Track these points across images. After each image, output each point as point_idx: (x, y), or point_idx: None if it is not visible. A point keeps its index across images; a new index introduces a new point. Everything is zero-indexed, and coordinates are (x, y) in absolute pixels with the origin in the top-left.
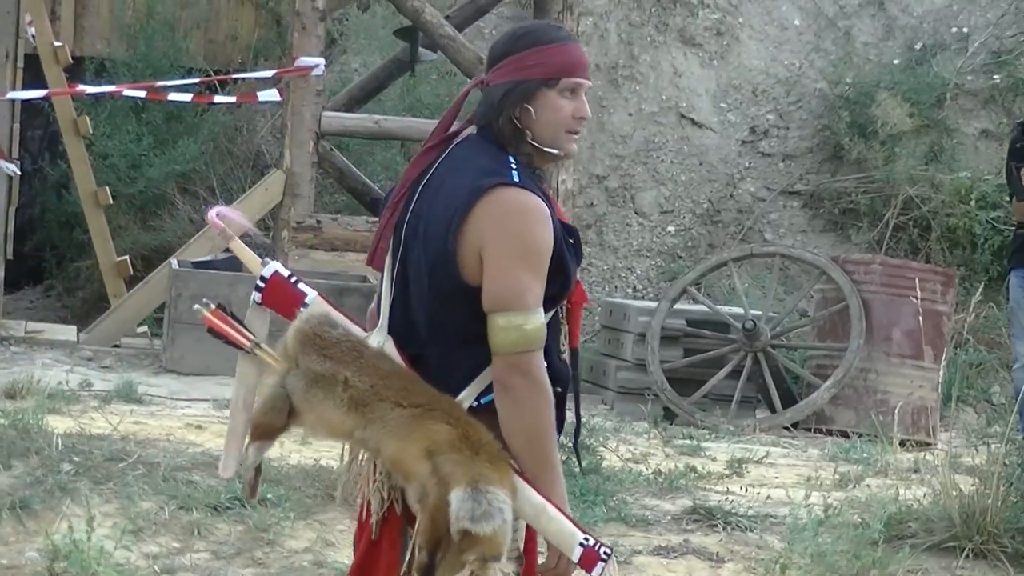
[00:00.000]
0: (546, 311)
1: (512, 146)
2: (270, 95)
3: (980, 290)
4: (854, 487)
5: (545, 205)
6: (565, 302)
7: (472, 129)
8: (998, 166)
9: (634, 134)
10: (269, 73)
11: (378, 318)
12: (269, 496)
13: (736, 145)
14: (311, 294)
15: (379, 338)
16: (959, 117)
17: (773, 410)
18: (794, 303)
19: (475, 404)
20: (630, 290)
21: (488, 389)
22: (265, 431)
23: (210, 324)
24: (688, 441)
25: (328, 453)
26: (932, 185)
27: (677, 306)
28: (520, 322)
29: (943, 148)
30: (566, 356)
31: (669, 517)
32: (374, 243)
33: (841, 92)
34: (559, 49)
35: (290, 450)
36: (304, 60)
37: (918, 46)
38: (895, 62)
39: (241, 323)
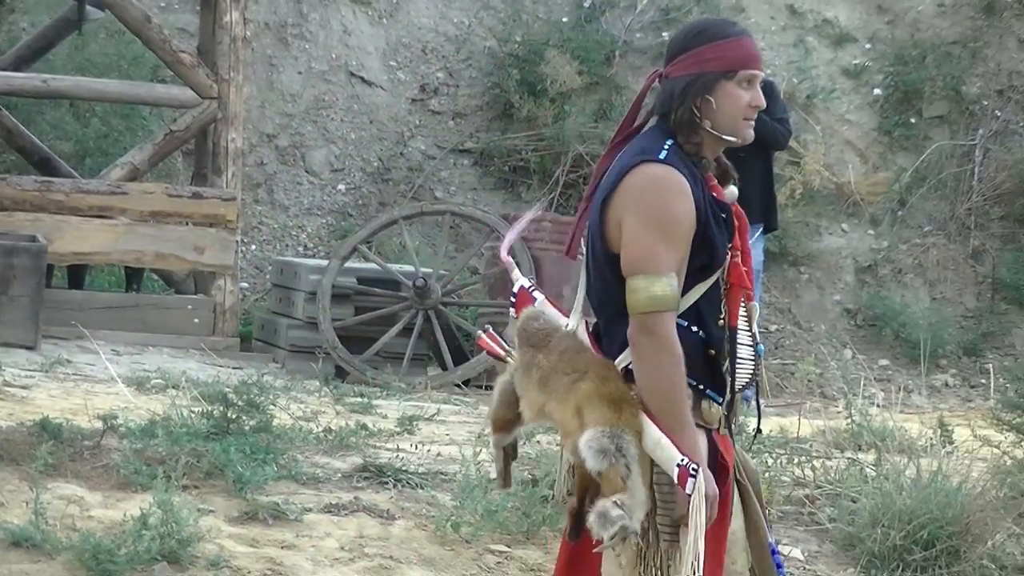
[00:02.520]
0: (697, 282)
1: (683, 134)
2: None
3: None
4: (525, 443)
5: (686, 181)
6: (725, 279)
7: (653, 120)
8: None
9: (304, 93)
10: None
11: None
12: None
13: (406, 103)
14: (539, 298)
15: (574, 320)
16: (628, 74)
17: (444, 367)
18: (465, 261)
19: (628, 367)
20: (301, 249)
21: None
22: (501, 424)
23: (484, 345)
24: (359, 399)
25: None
26: (602, 143)
27: (348, 264)
28: (648, 284)
29: (612, 106)
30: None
31: (340, 475)
32: (571, 234)
33: (511, 50)
34: (736, 43)
35: None
36: None
37: (587, 4)
38: (564, 20)
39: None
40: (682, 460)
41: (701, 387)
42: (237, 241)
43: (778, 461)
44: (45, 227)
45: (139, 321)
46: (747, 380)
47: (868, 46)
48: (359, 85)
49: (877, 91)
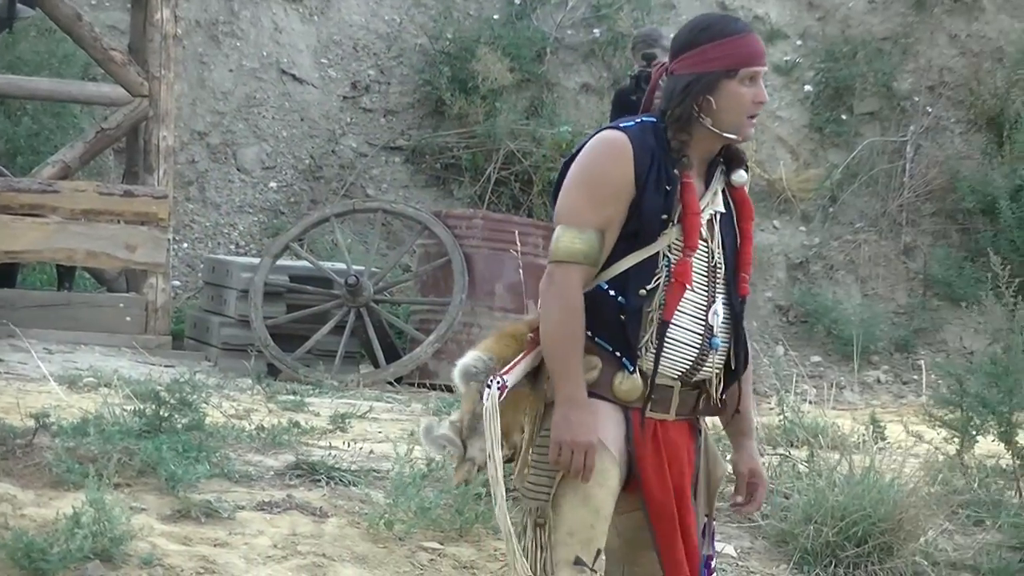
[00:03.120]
0: (630, 249)
1: (672, 130)
2: None
3: None
4: None
5: (631, 147)
6: (669, 273)
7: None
8: (599, 120)
9: (235, 90)
10: None
11: None
12: None
13: (337, 101)
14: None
15: None
16: (559, 71)
17: (376, 365)
18: (397, 258)
19: None
20: (233, 247)
21: None
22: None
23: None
24: (292, 397)
25: None
26: (533, 139)
27: (280, 262)
28: (566, 235)
29: (544, 103)
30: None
31: (272, 473)
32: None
33: (442, 47)
34: (740, 41)
35: None
36: None
37: (518, 1)
38: (495, 17)
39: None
40: (499, 376)
41: (617, 353)
42: (169, 239)
43: None
44: None
45: (71, 319)
46: (686, 369)
47: (799, 43)
48: (290, 83)
49: (808, 88)
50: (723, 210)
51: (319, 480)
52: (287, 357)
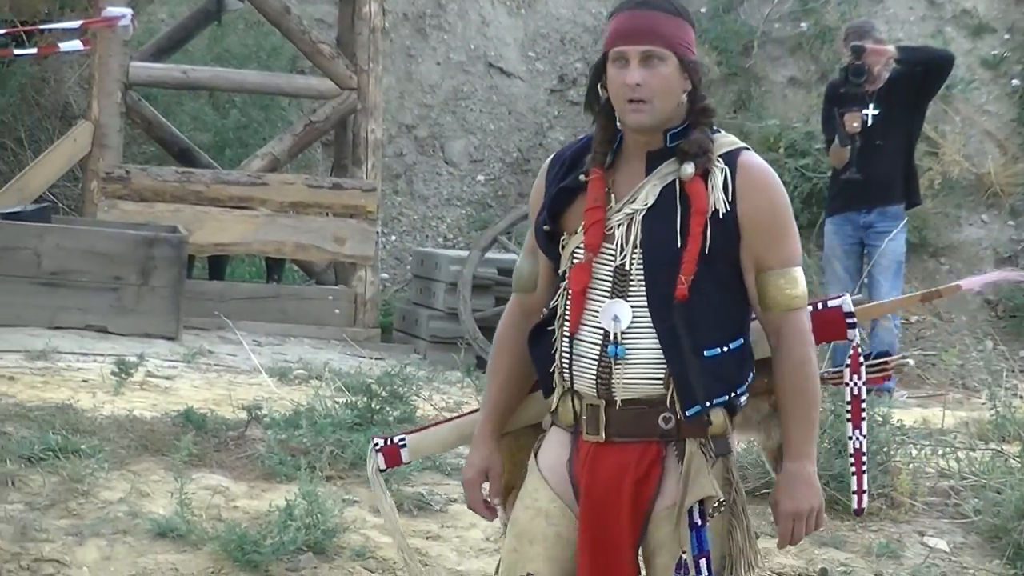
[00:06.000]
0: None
1: (595, 120)
2: (73, 45)
3: None
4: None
5: (548, 164)
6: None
7: None
8: (806, 114)
9: (442, 83)
10: (76, 24)
11: None
12: (83, 447)
13: (545, 94)
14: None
15: None
16: (766, 65)
17: None
18: None
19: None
20: (440, 239)
21: None
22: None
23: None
24: None
25: (141, 404)
26: (741, 133)
27: (488, 255)
28: None
29: (751, 96)
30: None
31: None
32: None
33: None
34: (615, 19)
35: (103, 401)
36: (111, 10)
37: None
38: (702, 10)
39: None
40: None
41: (547, 376)
42: (377, 232)
43: (922, 452)
44: (185, 218)
45: (279, 312)
46: (596, 384)
47: (1007, 36)
48: (497, 76)
49: (1016, 81)
50: (651, 204)
51: None
52: None
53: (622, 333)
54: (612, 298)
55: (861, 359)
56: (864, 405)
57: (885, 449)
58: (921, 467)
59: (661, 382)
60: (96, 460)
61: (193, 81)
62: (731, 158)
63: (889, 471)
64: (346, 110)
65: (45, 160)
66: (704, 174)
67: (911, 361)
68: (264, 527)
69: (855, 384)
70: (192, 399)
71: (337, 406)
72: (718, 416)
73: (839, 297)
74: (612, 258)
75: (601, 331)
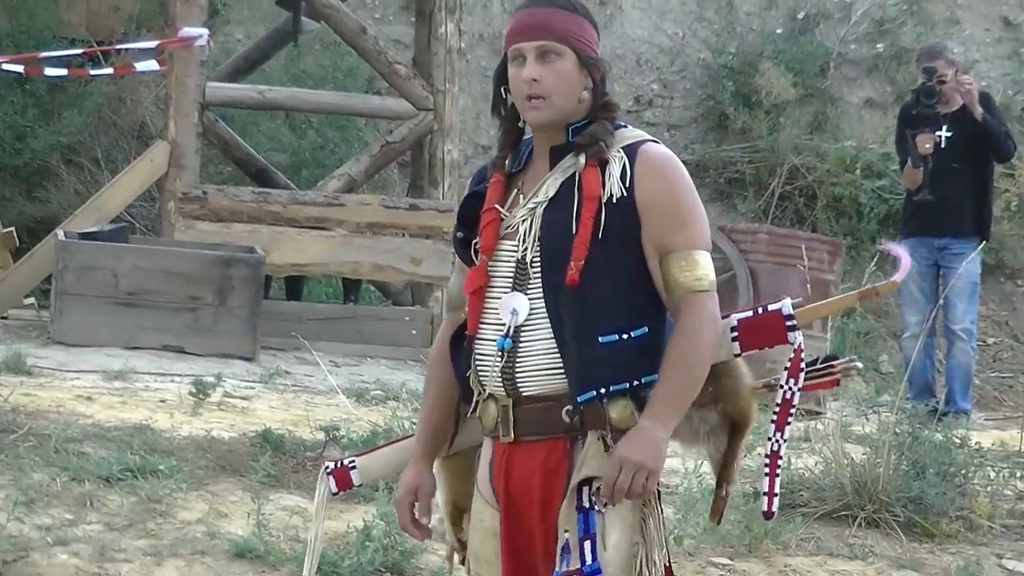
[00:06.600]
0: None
1: (505, 122)
2: (149, 65)
3: (873, 260)
4: (746, 456)
5: (473, 175)
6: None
7: None
8: (882, 135)
9: None
10: (152, 44)
11: None
12: (161, 467)
13: (621, 115)
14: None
15: None
16: (843, 86)
17: None
18: None
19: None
20: None
21: None
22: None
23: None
24: None
25: (219, 424)
26: (817, 154)
27: None
28: None
29: (827, 117)
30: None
31: None
32: None
33: (725, 62)
34: (512, 18)
35: (181, 421)
36: (187, 30)
37: (800, 15)
38: (778, 31)
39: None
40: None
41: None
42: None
43: (1000, 475)
44: (262, 238)
45: (356, 332)
46: (501, 381)
47: None
48: None
49: None
50: (551, 196)
51: None
52: None
53: (520, 326)
54: (512, 292)
55: (803, 364)
56: (793, 411)
57: (963, 471)
58: (999, 489)
59: (562, 373)
60: (174, 480)
61: (270, 101)
62: (632, 148)
63: (967, 493)
64: (422, 131)
65: (122, 180)
66: (604, 164)
67: (860, 364)
68: (342, 548)
69: (789, 388)
70: (269, 420)
71: (414, 427)
72: (619, 406)
73: (779, 301)
74: (514, 254)
75: (503, 327)
